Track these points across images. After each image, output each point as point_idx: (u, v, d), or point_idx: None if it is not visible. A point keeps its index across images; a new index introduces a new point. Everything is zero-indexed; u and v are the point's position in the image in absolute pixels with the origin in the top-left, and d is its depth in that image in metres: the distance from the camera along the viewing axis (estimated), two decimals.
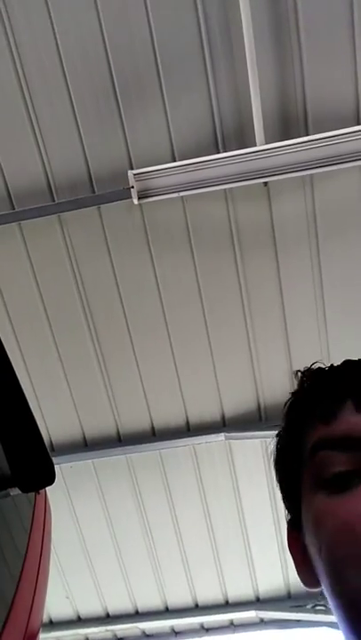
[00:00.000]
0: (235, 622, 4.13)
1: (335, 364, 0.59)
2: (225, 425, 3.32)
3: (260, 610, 3.97)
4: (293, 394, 0.60)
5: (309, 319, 2.94)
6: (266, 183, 2.63)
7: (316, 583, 0.52)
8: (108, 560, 3.86)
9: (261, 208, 2.72)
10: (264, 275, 2.89)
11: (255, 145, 2.47)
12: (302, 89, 2.46)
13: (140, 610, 4.05)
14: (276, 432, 0.61)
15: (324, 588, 0.49)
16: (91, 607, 4.06)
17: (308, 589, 0.54)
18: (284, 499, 0.59)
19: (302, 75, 2.43)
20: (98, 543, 3.81)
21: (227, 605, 4.00)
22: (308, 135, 2.45)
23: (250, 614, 4.00)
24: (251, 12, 2.26)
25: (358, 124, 2.41)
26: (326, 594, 0.49)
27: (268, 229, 2.77)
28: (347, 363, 0.58)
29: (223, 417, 3.32)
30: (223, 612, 4.01)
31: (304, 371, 0.60)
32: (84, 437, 3.48)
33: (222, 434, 3.29)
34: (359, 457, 0.49)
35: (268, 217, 2.74)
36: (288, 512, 0.58)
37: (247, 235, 2.80)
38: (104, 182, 2.76)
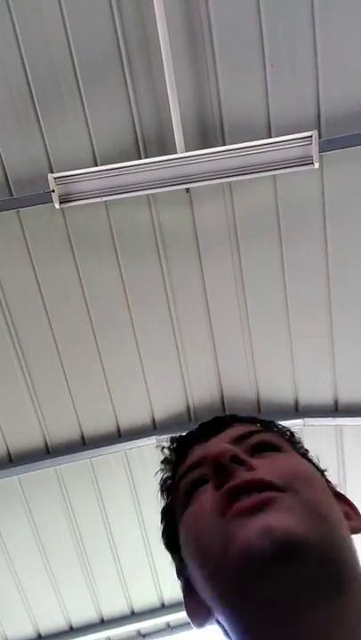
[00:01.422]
0: (171, 624, 4.16)
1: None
2: (156, 428, 3.35)
3: None
4: (162, 461, 0.71)
5: (233, 319, 3.07)
6: (188, 189, 2.71)
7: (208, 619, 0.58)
8: (38, 578, 3.71)
9: (184, 213, 2.80)
10: (188, 278, 2.97)
11: (176, 152, 2.55)
12: (218, 101, 2.58)
13: (73, 625, 3.93)
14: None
15: (213, 603, 0.54)
16: (21, 630, 3.87)
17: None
18: (177, 572, 0.66)
19: (217, 87, 2.55)
20: (26, 562, 3.65)
21: (163, 608, 4.02)
22: (225, 145, 2.57)
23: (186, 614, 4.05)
24: (167, 26, 2.34)
25: (270, 136, 2.58)
26: (215, 605, 0.54)
27: (191, 234, 2.85)
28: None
29: (154, 420, 3.35)
30: (160, 616, 4.01)
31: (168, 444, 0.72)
32: (9, 452, 3.32)
33: (153, 437, 3.32)
34: (198, 472, 0.60)
35: (191, 222, 2.83)
36: (180, 576, 0.65)
37: (171, 239, 2.87)
38: (23, 186, 2.68)
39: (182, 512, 0.60)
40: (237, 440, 0.61)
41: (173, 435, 0.72)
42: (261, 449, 0.60)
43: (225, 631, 0.57)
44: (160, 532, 0.68)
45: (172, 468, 0.67)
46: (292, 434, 0.70)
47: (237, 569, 0.47)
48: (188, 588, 0.62)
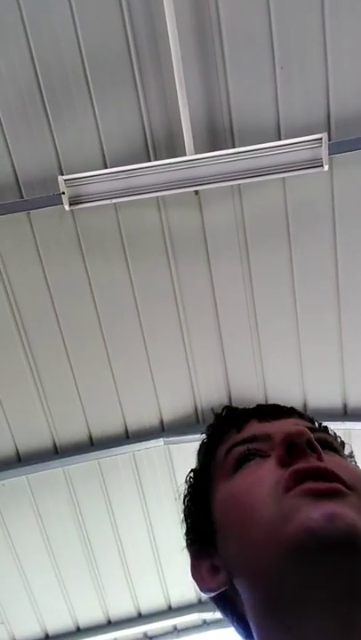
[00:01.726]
0: (178, 627, 4.15)
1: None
2: (164, 430, 3.35)
3: (202, 612, 4.02)
4: (209, 426, 0.71)
5: (241, 321, 3.06)
6: (197, 192, 2.72)
7: (224, 583, 0.58)
8: (46, 578, 3.73)
9: (193, 216, 2.81)
10: (197, 280, 2.97)
11: (185, 154, 2.55)
12: (227, 103, 2.58)
13: (81, 626, 3.94)
14: (191, 469, 0.70)
15: (244, 571, 0.54)
16: (28, 630, 3.89)
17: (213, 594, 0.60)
18: (191, 529, 0.66)
19: (227, 89, 2.55)
20: (34, 562, 3.67)
21: (169, 611, 4.01)
22: (234, 147, 2.57)
23: (192, 617, 4.03)
24: (177, 27, 2.35)
25: (280, 138, 2.58)
26: (244, 579, 0.54)
27: (200, 236, 2.86)
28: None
29: (162, 422, 3.35)
30: (166, 619, 4.01)
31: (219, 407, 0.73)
32: (17, 452, 3.35)
33: (161, 439, 3.32)
34: (262, 446, 0.60)
35: (200, 224, 2.83)
36: (195, 540, 0.64)
37: (180, 242, 2.87)
38: (33, 188, 2.70)
39: (228, 477, 0.60)
40: None
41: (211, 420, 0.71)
42: (323, 447, 0.60)
43: (229, 606, 0.58)
44: (184, 493, 0.68)
45: (219, 434, 0.67)
46: (343, 443, 0.71)
47: (296, 544, 0.47)
48: (200, 552, 0.62)
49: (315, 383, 3.21)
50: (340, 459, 0.61)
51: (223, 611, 0.60)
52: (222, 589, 0.58)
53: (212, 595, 0.59)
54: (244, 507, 0.55)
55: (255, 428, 0.64)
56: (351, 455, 0.68)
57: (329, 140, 2.46)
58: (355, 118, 2.51)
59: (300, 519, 0.48)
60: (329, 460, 0.56)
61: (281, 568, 0.48)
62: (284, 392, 3.25)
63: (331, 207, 2.74)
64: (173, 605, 4.00)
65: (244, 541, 0.54)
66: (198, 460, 0.69)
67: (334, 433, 0.70)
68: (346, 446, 0.69)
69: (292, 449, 0.55)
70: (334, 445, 0.64)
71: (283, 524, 0.49)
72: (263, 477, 0.55)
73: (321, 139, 2.42)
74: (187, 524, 0.67)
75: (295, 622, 0.48)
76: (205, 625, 4.16)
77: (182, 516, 0.67)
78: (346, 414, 3.23)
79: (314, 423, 0.69)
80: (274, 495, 0.52)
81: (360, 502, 0.51)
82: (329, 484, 0.51)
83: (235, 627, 0.59)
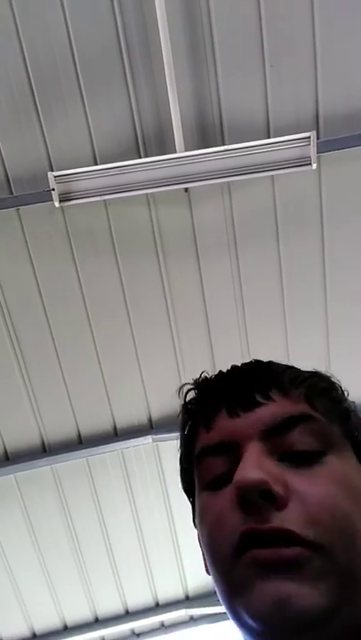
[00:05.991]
0: (165, 623, 4.16)
1: (217, 372, 0.63)
2: (152, 427, 3.35)
3: (189, 608, 4.04)
4: (182, 406, 0.63)
5: (230, 319, 3.08)
6: (186, 189, 2.73)
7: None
8: (33, 577, 3.71)
9: (183, 213, 2.81)
10: (187, 277, 2.98)
11: (175, 152, 2.56)
12: (217, 101, 2.59)
13: (68, 624, 3.93)
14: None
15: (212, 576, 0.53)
16: (16, 629, 3.86)
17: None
18: (190, 501, 0.63)
19: (217, 87, 2.57)
20: (22, 560, 3.64)
21: (157, 607, 4.02)
22: (224, 145, 2.58)
23: (180, 613, 4.05)
24: (168, 25, 2.35)
25: (269, 136, 2.60)
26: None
27: (189, 234, 2.87)
28: (229, 370, 0.62)
29: (150, 419, 3.35)
30: (153, 615, 4.02)
31: (187, 384, 0.63)
32: (5, 450, 3.32)
33: (150, 436, 3.32)
34: (230, 459, 0.53)
35: (190, 222, 2.84)
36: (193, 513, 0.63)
37: (170, 239, 2.88)
38: (23, 184, 2.68)
39: (200, 488, 0.56)
40: (271, 433, 0.52)
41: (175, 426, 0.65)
42: (299, 458, 0.51)
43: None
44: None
45: (191, 432, 0.60)
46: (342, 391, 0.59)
47: (248, 628, 0.45)
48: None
49: None
50: (320, 471, 0.50)
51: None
52: None
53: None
54: (208, 540, 0.51)
55: (223, 426, 0.55)
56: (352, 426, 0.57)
57: (317, 138, 2.49)
58: (343, 117, 2.55)
59: (251, 602, 0.44)
60: (295, 492, 0.47)
61: (241, 623, 0.46)
62: None
63: (319, 205, 2.77)
64: (161, 602, 4.01)
65: (212, 567, 0.51)
66: (180, 447, 0.64)
67: (330, 391, 0.58)
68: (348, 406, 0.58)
69: (245, 504, 0.47)
70: (316, 446, 0.52)
71: (239, 595, 0.46)
72: (223, 517, 0.50)
73: (310, 137, 2.45)
74: (185, 492, 0.64)
75: None
76: (193, 621, 4.17)
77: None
78: None
79: (302, 394, 0.56)
80: (229, 553, 0.48)
81: (328, 563, 0.44)
82: (282, 551, 0.44)
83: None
